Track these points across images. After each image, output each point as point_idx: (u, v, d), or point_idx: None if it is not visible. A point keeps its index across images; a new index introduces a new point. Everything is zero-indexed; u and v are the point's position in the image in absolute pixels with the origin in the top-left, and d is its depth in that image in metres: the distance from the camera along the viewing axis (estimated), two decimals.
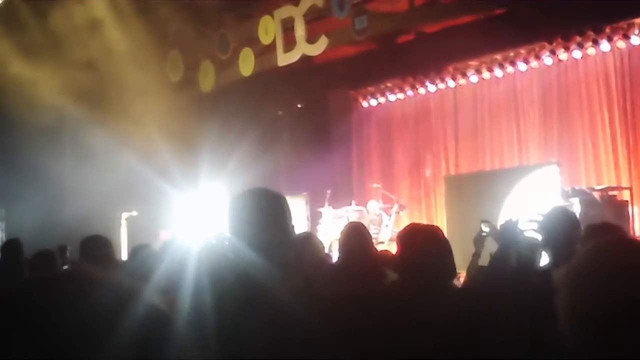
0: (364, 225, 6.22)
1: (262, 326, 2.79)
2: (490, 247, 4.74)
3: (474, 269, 4.91)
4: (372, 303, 3.36)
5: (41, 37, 13.76)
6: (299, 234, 5.29)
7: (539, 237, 4.68)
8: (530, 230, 4.69)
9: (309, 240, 5.77)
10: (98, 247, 5.59)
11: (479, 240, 5.02)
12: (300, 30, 13.19)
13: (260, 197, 3.22)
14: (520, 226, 4.25)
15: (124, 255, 11.19)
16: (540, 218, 4.78)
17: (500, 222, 4.91)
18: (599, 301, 1.48)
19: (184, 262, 3.94)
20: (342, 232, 5.69)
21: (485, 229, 4.97)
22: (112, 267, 5.41)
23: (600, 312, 1.47)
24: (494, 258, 4.08)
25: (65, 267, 7.62)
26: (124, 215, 15.05)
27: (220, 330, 2.80)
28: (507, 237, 4.20)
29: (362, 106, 16.83)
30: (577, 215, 10.37)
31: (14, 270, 6.58)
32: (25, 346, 1.14)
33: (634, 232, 11.81)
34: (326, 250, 12.07)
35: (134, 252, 5.03)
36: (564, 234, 4.42)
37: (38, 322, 1.16)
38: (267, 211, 3.15)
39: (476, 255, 5.01)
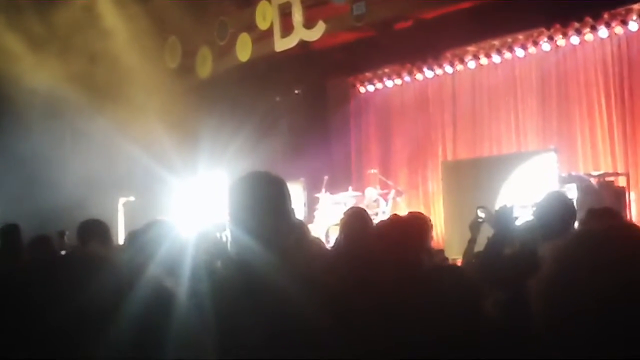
0: (365, 211, 6.24)
1: (262, 315, 2.78)
2: (487, 233, 4.76)
3: (470, 255, 4.93)
4: (377, 290, 3.37)
5: (40, 23, 13.72)
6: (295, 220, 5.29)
7: (535, 222, 4.69)
8: (526, 215, 4.71)
9: (304, 226, 5.78)
10: (96, 232, 5.61)
11: (475, 226, 5.04)
12: (297, 16, 13.16)
13: (259, 181, 3.17)
14: (515, 212, 4.26)
15: (121, 241, 11.20)
16: (536, 204, 4.80)
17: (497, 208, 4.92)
18: (579, 286, 1.49)
19: (181, 251, 3.94)
20: (343, 217, 5.71)
21: (482, 214, 4.99)
22: (111, 251, 5.42)
23: (580, 298, 1.48)
24: (489, 243, 4.09)
25: (63, 252, 7.63)
26: (122, 200, 15.04)
27: (220, 320, 2.79)
28: (501, 222, 4.21)
29: (360, 92, 16.82)
30: (575, 201, 10.43)
31: (13, 255, 6.59)
32: (31, 325, 1.16)
33: (631, 218, 11.85)
34: (323, 236, 12.15)
35: (130, 237, 5.02)
36: (560, 219, 4.43)
37: (43, 303, 1.19)
38: (266, 196, 3.11)
39: (472, 241, 5.02)
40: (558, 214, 4.46)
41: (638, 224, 10.85)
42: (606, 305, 1.46)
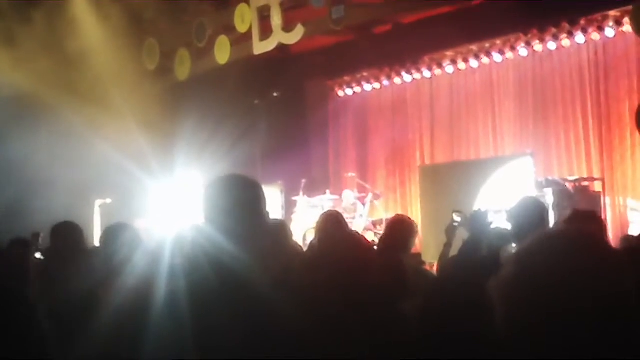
0: (340, 214, 6.25)
1: (240, 318, 2.78)
2: (463, 237, 4.77)
3: (445, 259, 4.95)
4: (351, 291, 3.38)
5: (16, 23, 13.63)
6: (273, 222, 5.28)
7: (509, 226, 4.72)
8: (500, 220, 4.73)
9: (284, 228, 5.76)
10: (69, 234, 5.52)
11: (451, 230, 5.05)
12: (276, 19, 13.15)
13: (235, 184, 3.18)
14: (490, 216, 4.27)
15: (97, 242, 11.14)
16: (510, 208, 4.82)
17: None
18: (538, 289, 1.51)
19: (157, 253, 3.92)
20: (318, 220, 5.72)
21: (457, 219, 5.00)
22: (83, 254, 5.36)
23: (538, 301, 1.50)
24: (463, 248, 4.11)
25: (38, 254, 7.59)
26: (98, 202, 14.96)
27: (197, 322, 2.79)
28: (475, 226, 4.23)
29: (339, 96, 16.85)
30: (551, 206, 10.50)
31: None
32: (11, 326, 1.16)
33: (606, 223, 11.92)
34: (300, 239, 12.15)
35: (105, 239, 4.97)
36: (533, 223, 4.45)
37: (22, 303, 1.19)
38: (242, 199, 3.12)
39: (447, 245, 5.04)
40: (530, 218, 4.49)
41: (613, 228, 10.90)
42: (562, 309, 1.48)
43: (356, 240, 3.40)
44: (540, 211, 4.69)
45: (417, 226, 5.94)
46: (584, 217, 4.94)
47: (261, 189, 3.21)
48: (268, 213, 3.22)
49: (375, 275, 3.22)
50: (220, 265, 2.91)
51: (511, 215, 4.70)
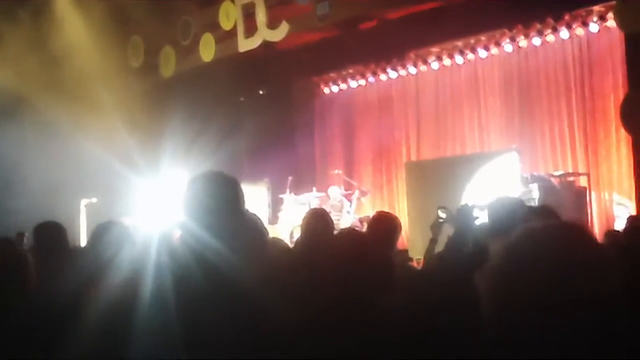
0: (325, 211, 6.23)
1: (226, 314, 2.77)
2: (448, 233, 4.77)
3: (431, 255, 4.94)
4: (339, 287, 3.37)
5: (2, 22, 13.57)
6: (254, 218, 5.26)
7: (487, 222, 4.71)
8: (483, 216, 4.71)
9: (262, 225, 5.74)
10: (52, 234, 5.42)
11: (436, 226, 5.04)
12: (261, 16, 13.13)
13: (216, 182, 3.19)
14: (476, 211, 4.26)
15: (84, 242, 11.08)
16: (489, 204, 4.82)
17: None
18: (526, 284, 1.50)
19: (144, 251, 3.89)
20: (304, 218, 5.70)
21: (443, 215, 4.99)
22: (67, 253, 5.30)
23: (521, 297, 1.50)
24: (449, 243, 4.10)
25: None
26: (84, 202, 14.88)
27: (184, 320, 2.78)
28: (461, 222, 4.22)
29: (325, 93, 16.84)
30: (536, 201, 10.52)
31: None
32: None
33: (592, 217, 11.98)
34: (287, 237, 12.13)
35: (95, 237, 4.91)
36: (512, 221, 4.43)
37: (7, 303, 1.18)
38: (224, 197, 3.13)
39: (433, 242, 5.03)
40: (510, 216, 4.47)
41: (599, 223, 10.91)
42: (550, 303, 1.47)
43: (345, 236, 3.39)
44: (517, 209, 4.67)
45: (400, 222, 5.93)
46: (541, 214, 4.93)
47: (240, 186, 3.22)
48: (247, 210, 3.22)
49: (363, 271, 3.21)
50: (206, 263, 2.90)
51: (489, 213, 4.70)
